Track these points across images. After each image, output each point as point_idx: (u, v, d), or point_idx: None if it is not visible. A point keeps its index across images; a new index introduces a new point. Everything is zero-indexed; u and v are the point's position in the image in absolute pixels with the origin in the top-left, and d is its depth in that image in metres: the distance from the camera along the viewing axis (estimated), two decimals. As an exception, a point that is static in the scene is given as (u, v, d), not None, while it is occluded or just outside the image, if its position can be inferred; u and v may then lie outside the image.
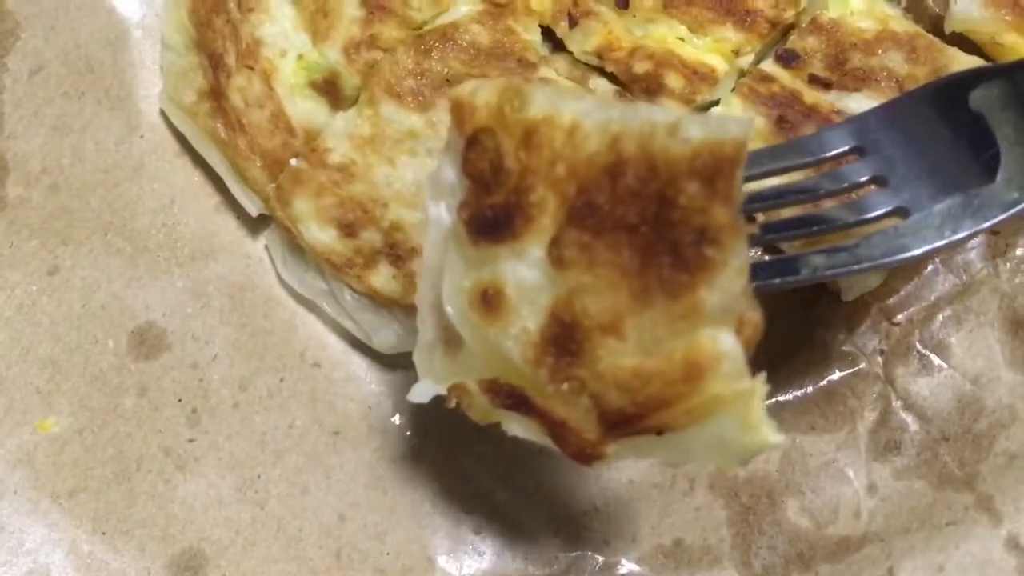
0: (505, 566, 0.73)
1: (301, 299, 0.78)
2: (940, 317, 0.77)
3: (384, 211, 0.74)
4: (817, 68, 0.76)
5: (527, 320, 0.52)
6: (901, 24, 0.77)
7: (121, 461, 0.72)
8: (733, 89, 0.77)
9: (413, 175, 0.74)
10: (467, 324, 0.55)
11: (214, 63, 0.77)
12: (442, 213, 0.57)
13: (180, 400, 0.74)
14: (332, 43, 0.77)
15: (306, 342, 0.77)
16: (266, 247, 0.79)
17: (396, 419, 0.76)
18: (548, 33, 0.79)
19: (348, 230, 0.74)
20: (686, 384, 0.49)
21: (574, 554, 0.73)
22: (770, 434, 0.50)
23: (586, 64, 0.78)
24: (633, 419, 0.51)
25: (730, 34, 0.77)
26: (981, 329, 0.76)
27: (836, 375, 0.76)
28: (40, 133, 0.79)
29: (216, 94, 0.77)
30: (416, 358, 0.60)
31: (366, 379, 0.77)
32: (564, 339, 0.51)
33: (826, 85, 0.75)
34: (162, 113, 0.81)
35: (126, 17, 0.83)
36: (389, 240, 0.74)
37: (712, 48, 0.77)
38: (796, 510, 0.73)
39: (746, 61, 0.77)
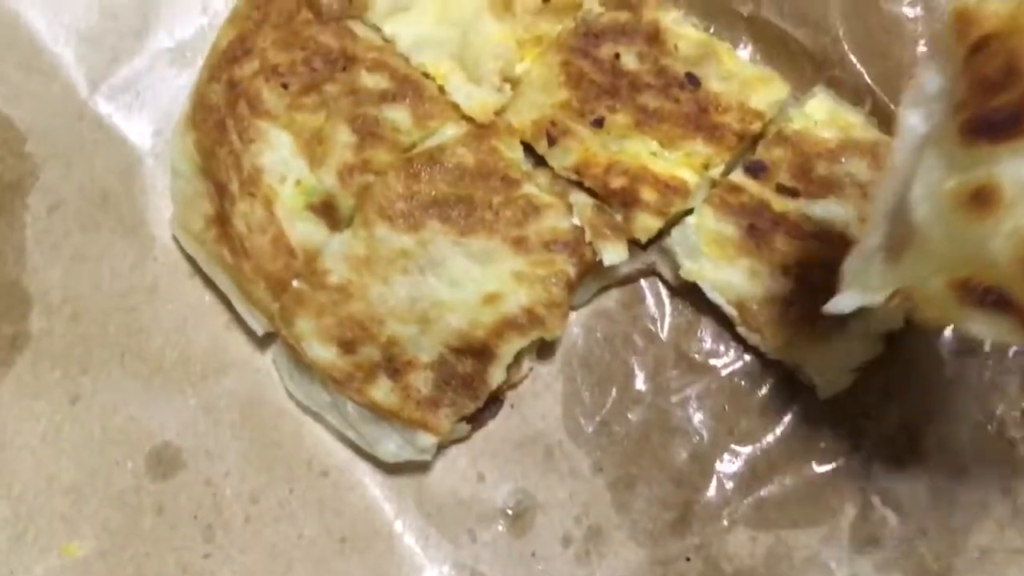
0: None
1: (307, 410, 0.81)
2: (915, 412, 0.79)
3: (381, 327, 0.77)
4: (784, 178, 0.79)
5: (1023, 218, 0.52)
6: (863, 132, 0.81)
7: (141, 580, 0.76)
8: (705, 199, 0.80)
9: (406, 292, 0.78)
10: (941, 225, 0.55)
11: (219, 190, 0.81)
12: (917, 121, 0.58)
13: (196, 517, 0.78)
14: (327, 168, 0.81)
15: (313, 451, 0.80)
16: (274, 361, 0.83)
17: (399, 525, 0.79)
18: (529, 149, 0.83)
19: (348, 347, 0.78)
20: None
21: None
22: None
23: (566, 179, 0.81)
24: None
25: (700, 148, 0.80)
26: (951, 425, 0.78)
27: (816, 471, 0.78)
28: (60, 265, 0.83)
29: (222, 220, 0.81)
30: (848, 266, 0.61)
31: (371, 484, 0.80)
32: None
33: (793, 193, 0.79)
34: (174, 236, 0.85)
35: (138, 146, 0.87)
36: (387, 354, 0.77)
37: (683, 162, 0.80)
38: (784, 603, 0.75)
39: (716, 172, 0.80)
